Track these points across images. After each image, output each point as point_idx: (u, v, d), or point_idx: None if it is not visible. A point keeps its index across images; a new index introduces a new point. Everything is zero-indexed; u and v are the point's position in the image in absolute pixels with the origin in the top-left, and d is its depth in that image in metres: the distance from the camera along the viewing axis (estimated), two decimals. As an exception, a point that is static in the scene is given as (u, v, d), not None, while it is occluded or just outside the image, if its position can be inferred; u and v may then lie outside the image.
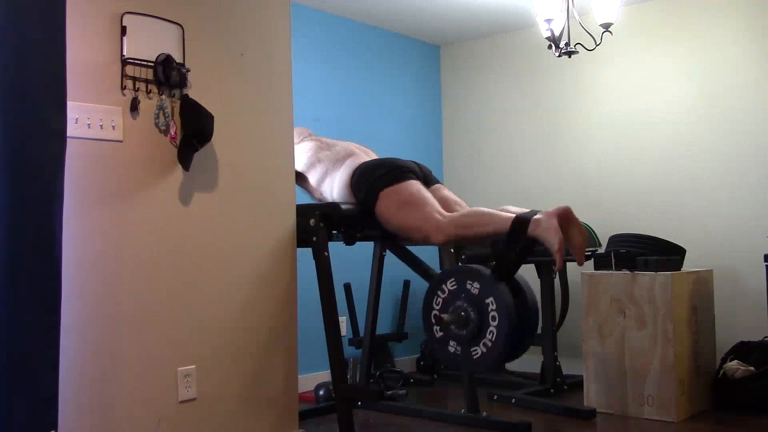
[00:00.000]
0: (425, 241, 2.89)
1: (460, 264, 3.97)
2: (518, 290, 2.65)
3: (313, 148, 3.31)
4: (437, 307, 2.70)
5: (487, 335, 2.58)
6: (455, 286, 2.66)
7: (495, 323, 2.56)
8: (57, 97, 2.06)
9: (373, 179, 2.99)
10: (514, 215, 2.58)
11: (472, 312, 2.59)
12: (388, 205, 2.95)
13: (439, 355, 2.74)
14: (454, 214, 2.82)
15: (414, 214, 2.87)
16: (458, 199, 3.06)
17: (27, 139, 2.00)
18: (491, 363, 2.64)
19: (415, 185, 2.97)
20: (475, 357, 2.61)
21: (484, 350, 2.59)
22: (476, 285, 2.61)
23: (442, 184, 3.18)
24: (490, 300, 2.56)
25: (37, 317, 1.99)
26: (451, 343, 2.66)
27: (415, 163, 3.16)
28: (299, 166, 3.29)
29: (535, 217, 2.52)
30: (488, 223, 2.67)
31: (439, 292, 2.71)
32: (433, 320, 2.69)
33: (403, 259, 3.40)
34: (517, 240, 2.56)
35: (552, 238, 2.45)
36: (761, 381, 3.59)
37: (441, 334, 2.69)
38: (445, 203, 2.96)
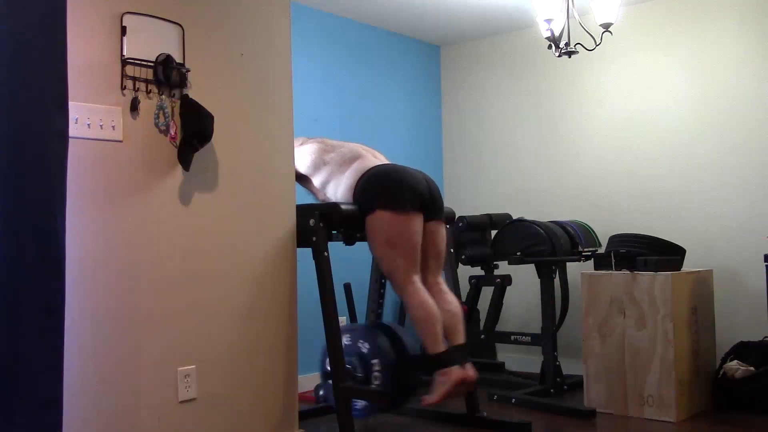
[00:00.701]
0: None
1: (459, 265, 4.00)
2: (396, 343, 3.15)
3: (317, 151, 3.30)
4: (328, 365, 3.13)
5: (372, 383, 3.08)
6: (349, 342, 3.13)
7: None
8: (58, 97, 2.06)
9: (376, 192, 3.01)
10: (440, 350, 2.96)
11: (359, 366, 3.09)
12: (375, 228, 3.03)
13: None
14: (412, 295, 3.00)
15: (390, 256, 3.03)
16: (442, 249, 3.23)
17: (29, 140, 2.00)
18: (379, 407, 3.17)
19: (410, 228, 3.02)
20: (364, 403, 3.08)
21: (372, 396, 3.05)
22: (366, 345, 3.11)
23: (442, 220, 3.22)
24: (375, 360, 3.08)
25: (40, 318, 1.99)
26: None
27: (425, 179, 3.16)
28: (303, 168, 3.29)
29: (447, 368, 2.94)
30: (422, 334, 3.00)
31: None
32: (325, 374, 3.19)
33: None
34: (423, 366, 3.09)
35: (440, 391, 2.93)
36: (761, 381, 3.59)
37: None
38: (425, 253, 3.12)
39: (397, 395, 3.10)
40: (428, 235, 3.13)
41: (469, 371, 3.02)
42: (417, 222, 3.04)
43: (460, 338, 3.10)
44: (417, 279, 3.03)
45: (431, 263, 3.18)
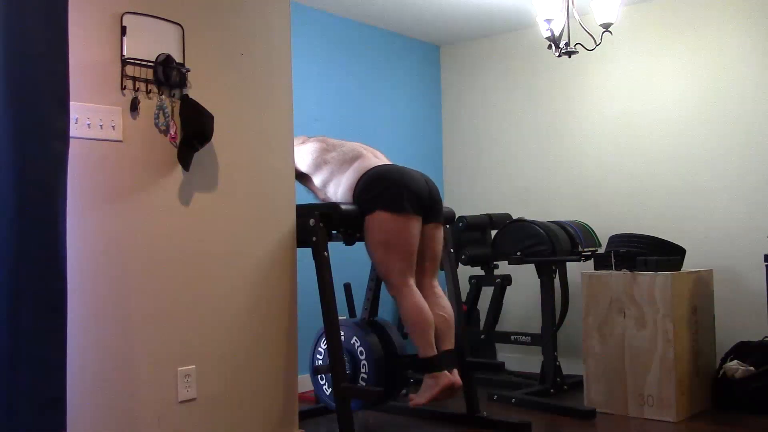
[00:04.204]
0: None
1: (459, 266, 4.00)
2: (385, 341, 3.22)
3: (318, 150, 3.30)
4: (319, 359, 3.32)
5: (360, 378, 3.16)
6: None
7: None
8: (59, 97, 2.06)
9: (376, 192, 3.01)
10: (430, 355, 3.00)
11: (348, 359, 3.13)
12: (373, 228, 3.04)
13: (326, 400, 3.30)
14: (406, 297, 3.03)
15: (386, 257, 3.04)
16: (439, 253, 3.26)
17: (30, 140, 2.00)
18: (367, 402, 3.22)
19: (408, 230, 3.03)
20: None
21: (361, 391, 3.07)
22: (356, 341, 3.19)
23: (440, 223, 3.22)
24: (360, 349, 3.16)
25: (43, 318, 1.99)
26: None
27: (426, 181, 3.16)
28: (304, 167, 3.29)
29: (436, 373, 2.99)
30: (413, 337, 3.04)
31: (319, 346, 3.32)
32: (315, 372, 3.29)
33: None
34: (414, 365, 3.15)
35: (426, 394, 3.00)
36: (761, 381, 3.59)
37: (325, 382, 3.28)
38: (421, 256, 3.13)
39: (384, 392, 3.15)
40: (426, 237, 3.14)
41: (456, 377, 3.06)
42: (415, 224, 3.05)
43: (450, 344, 3.13)
44: (412, 281, 3.05)
45: (427, 266, 3.19)
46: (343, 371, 2.95)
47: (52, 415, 2.00)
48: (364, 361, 3.16)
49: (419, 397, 3.01)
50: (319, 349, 3.34)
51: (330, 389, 3.23)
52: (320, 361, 3.32)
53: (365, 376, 3.16)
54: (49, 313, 2.00)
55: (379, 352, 3.18)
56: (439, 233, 3.23)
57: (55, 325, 2.01)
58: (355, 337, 3.22)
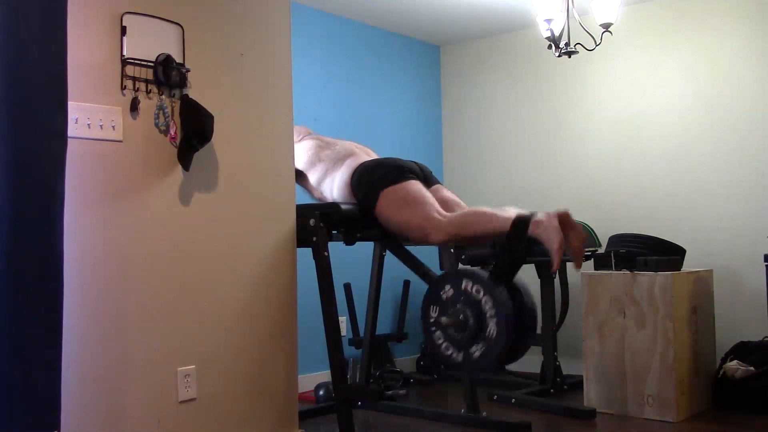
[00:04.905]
0: (425, 241, 2.89)
1: (459, 265, 3.97)
2: (516, 293, 2.64)
3: (313, 147, 3.31)
4: (435, 312, 2.72)
5: (486, 335, 2.58)
6: (453, 290, 2.67)
7: (493, 324, 2.56)
8: (57, 97, 2.05)
9: (373, 179, 3.00)
10: (514, 215, 2.57)
11: (471, 315, 2.60)
12: (388, 204, 2.95)
13: (440, 357, 2.76)
14: (455, 213, 2.83)
15: (414, 213, 2.87)
16: (458, 200, 3.05)
17: (27, 140, 2.00)
18: (490, 362, 2.65)
19: (416, 185, 2.97)
20: (474, 357, 2.62)
21: (484, 349, 2.59)
22: (474, 288, 2.62)
23: (442, 185, 3.19)
24: (488, 302, 2.57)
25: (38, 317, 1.99)
26: (452, 345, 2.68)
27: (415, 163, 3.16)
28: (300, 164, 3.29)
29: (536, 217, 2.52)
30: (488, 222, 2.67)
31: (438, 296, 2.73)
32: (432, 324, 2.71)
33: (402, 260, 3.40)
34: (517, 240, 2.55)
35: (553, 237, 2.45)
36: (761, 381, 3.59)
37: (441, 337, 2.71)
38: (445, 204, 2.96)
39: (519, 336, 2.64)
40: (436, 194, 3.02)
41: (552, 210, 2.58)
42: (421, 184, 3.00)
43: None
44: (443, 212, 2.85)
45: (455, 209, 2.95)
46: (344, 371, 2.94)
47: (46, 415, 2.00)
48: (491, 319, 2.60)
49: (553, 248, 2.46)
50: (433, 307, 2.76)
51: (440, 345, 2.73)
52: (435, 316, 2.75)
53: (492, 335, 2.60)
54: (44, 313, 2.00)
55: (509, 307, 2.60)
56: (446, 190, 3.11)
57: (50, 325, 2.01)
58: (482, 292, 2.64)
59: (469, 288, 2.63)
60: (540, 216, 2.52)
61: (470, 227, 2.74)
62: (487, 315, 2.58)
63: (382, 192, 2.95)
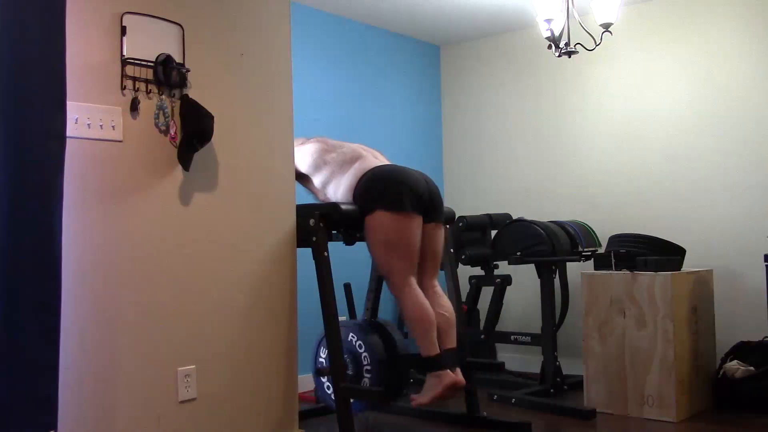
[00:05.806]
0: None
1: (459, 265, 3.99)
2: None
3: (318, 150, 3.30)
4: (322, 360, 3.27)
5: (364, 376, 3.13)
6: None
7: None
8: (57, 97, 2.06)
9: (376, 193, 3.01)
10: (433, 354, 2.98)
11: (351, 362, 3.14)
12: (375, 228, 3.04)
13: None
14: (412, 299, 3.02)
15: (388, 256, 3.05)
16: (439, 252, 3.26)
17: (27, 140, 2.00)
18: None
19: (409, 229, 3.03)
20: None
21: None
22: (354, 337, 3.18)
23: (441, 222, 3.23)
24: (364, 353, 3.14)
25: (37, 317, 2.00)
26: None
27: (425, 180, 3.16)
28: (304, 167, 3.29)
29: (440, 372, 2.97)
30: (416, 335, 3.02)
31: (321, 347, 3.28)
32: (317, 372, 3.28)
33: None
34: (417, 364, 3.13)
35: (429, 394, 2.98)
36: (761, 381, 3.59)
37: (325, 380, 3.24)
38: (422, 256, 3.13)
39: (389, 392, 3.12)
40: (427, 237, 3.14)
41: (460, 376, 3.05)
42: (416, 223, 3.05)
43: (453, 343, 3.12)
44: (413, 281, 3.05)
45: (428, 266, 3.19)
46: (343, 371, 2.95)
47: (43, 414, 2.00)
48: (366, 362, 3.15)
49: (422, 397, 3.00)
50: (322, 348, 3.32)
51: (331, 390, 3.22)
52: (323, 362, 3.30)
53: (368, 377, 3.15)
54: (42, 313, 2.00)
55: (381, 353, 3.16)
56: (440, 233, 3.23)
57: (48, 324, 2.01)
58: (357, 339, 3.20)
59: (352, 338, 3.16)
60: (442, 374, 2.97)
61: (409, 322, 3.05)
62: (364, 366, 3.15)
63: (378, 211, 3.01)
